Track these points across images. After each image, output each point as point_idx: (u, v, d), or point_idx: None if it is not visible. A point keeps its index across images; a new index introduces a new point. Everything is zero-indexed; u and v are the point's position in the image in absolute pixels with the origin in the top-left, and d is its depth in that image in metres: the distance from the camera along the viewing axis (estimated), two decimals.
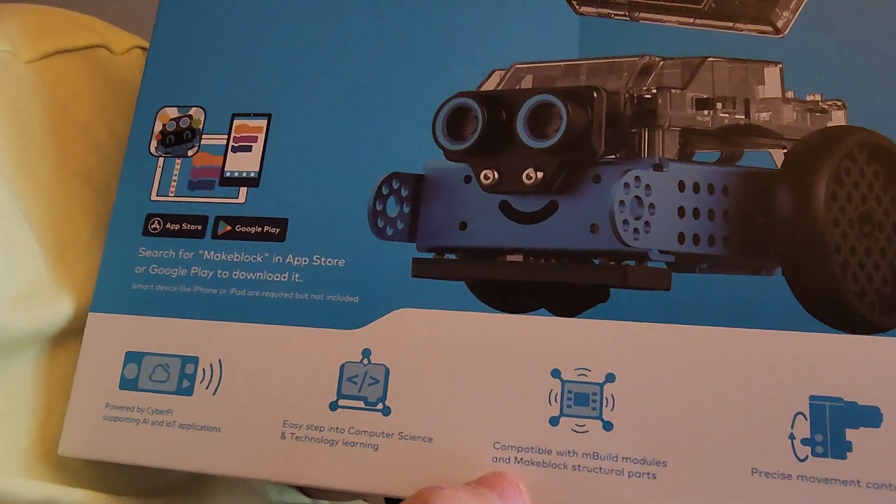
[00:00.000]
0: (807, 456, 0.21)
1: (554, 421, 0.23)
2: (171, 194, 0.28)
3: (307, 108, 0.28)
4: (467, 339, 0.24)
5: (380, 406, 0.24)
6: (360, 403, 0.24)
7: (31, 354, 0.27)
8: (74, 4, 0.36)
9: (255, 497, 0.34)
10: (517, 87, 0.26)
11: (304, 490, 0.43)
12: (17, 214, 0.27)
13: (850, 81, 0.24)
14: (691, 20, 0.26)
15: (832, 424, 0.21)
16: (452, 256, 0.25)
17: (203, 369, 0.26)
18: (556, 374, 0.23)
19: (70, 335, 0.27)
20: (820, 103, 0.24)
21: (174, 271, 0.27)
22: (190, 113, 0.29)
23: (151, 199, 0.28)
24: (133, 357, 0.26)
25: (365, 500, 0.50)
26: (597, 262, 0.24)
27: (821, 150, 0.23)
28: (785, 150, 0.24)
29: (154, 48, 0.30)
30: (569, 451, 0.22)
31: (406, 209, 0.26)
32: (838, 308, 0.22)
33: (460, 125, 0.26)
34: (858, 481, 0.20)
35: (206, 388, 0.25)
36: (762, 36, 0.25)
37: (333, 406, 0.24)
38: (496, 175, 0.25)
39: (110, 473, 0.27)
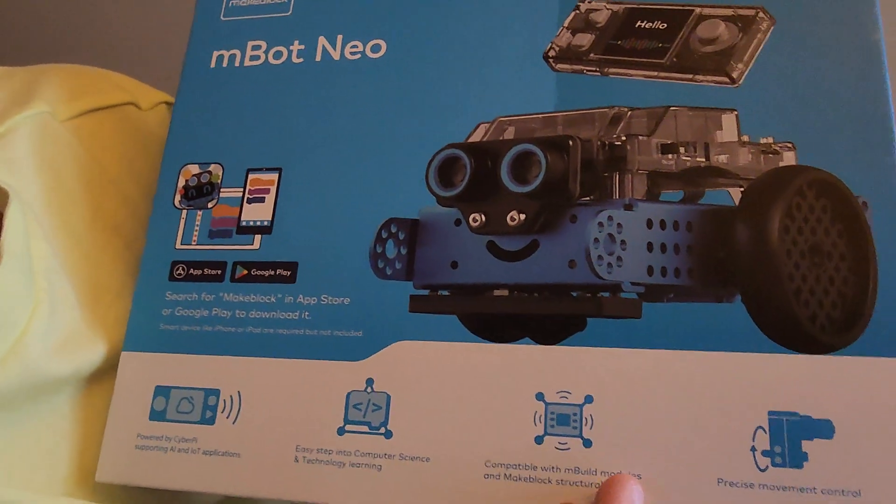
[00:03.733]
0: (767, 466, 0.23)
1: (539, 440, 0.25)
2: (193, 243, 0.31)
3: (314, 162, 0.31)
4: (460, 367, 0.26)
5: (382, 430, 0.26)
6: (365, 428, 0.27)
7: (70, 392, 0.30)
8: (105, 62, 0.40)
9: None
10: (501, 138, 0.29)
11: None
12: (57, 267, 0.30)
13: (799, 124, 0.26)
14: (655, 73, 0.28)
15: (789, 437, 0.23)
16: (446, 293, 0.28)
17: (224, 400, 0.28)
18: (539, 396, 0.25)
19: (104, 373, 0.30)
20: (772, 145, 0.26)
21: (197, 312, 0.30)
22: (210, 169, 0.32)
23: (176, 247, 0.31)
24: (161, 391, 0.29)
25: None
26: (574, 294, 0.26)
27: (774, 187, 0.26)
28: (742, 189, 0.26)
29: (177, 111, 0.33)
30: (553, 467, 0.25)
31: (403, 251, 0.29)
32: (792, 330, 0.24)
33: (451, 173, 0.29)
34: (814, 488, 0.22)
35: (227, 417, 0.28)
36: (719, 86, 0.28)
37: (341, 431, 0.27)
38: (483, 218, 0.28)
39: (141, 499, 0.30)
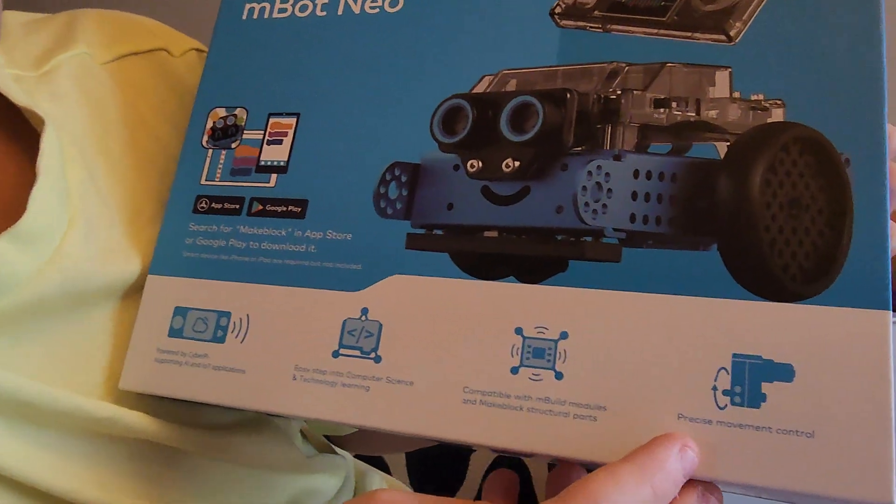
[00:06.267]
0: (726, 405, 0.24)
1: (514, 370, 0.27)
2: (217, 179, 0.34)
3: (329, 108, 0.33)
4: (447, 300, 0.28)
5: (372, 355, 0.29)
6: (357, 352, 0.29)
7: (106, 306, 0.33)
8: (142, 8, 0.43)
9: (286, 442, 0.39)
10: (503, 90, 0.30)
11: (335, 441, 0.48)
12: (93, 190, 0.33)
13: (791, 82, 0.27)
14: (656, 31, 0.29)
15: (750, 378, 0.24)
16: (440, 232, 0.30)
17: (234, 322, 0.31)
18: (518, 331, 0.27)
19: (136, 292, 0.33)
20: (762, 102, 0.27)
21: (216, 242, 0.33)
22: (235, 112, 0.34)
23: (201, 183, 0.34)
24: (180, 311, 0.32)
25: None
26: (559, 237, 0.28)
27: (759, 142, 0.26)
28: (728, 144, 0.27)
29: (210, 59, 0.36)
30: (525, 396, 0.26)
31: (404, 192, 0.30)
32: (764, 278, 0.25)
33: (454, 122, 0.30)
34: (769, 427, 0.23)
35: (236, 337, 0.31)
36: (716, 43, 0.28)
37: (335, 354, 0.29)
38: (480, 164, 0.29)
39: (161, 405, 0.33)
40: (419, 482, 0.77)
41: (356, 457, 0.52)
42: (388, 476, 0.56)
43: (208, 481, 0.35)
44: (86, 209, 0.32)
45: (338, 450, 0.48)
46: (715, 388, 0.24)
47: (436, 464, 0.72)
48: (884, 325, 0.23)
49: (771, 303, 0.24)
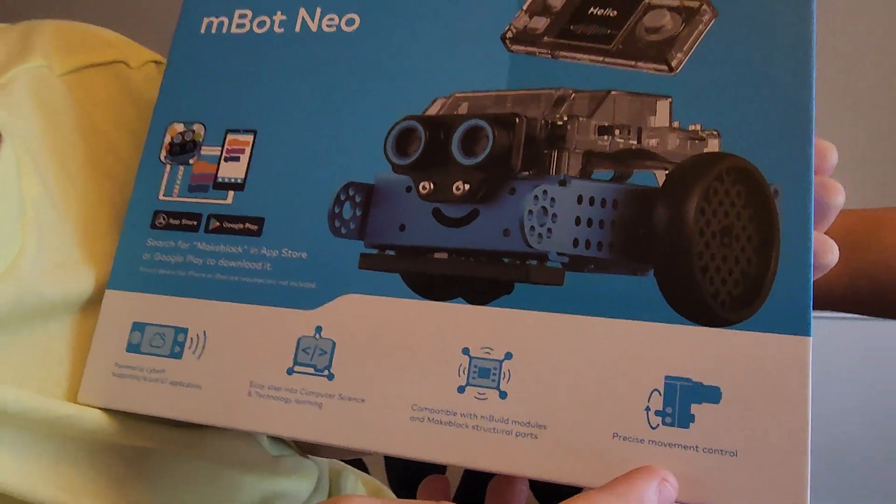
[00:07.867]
0: (658, 425, 0.25)
1: (461, 389, 0.28)
2: (174, 195, 0.34)
3: (286, 126, 0.33)
4: (398, 320, 0.29)
5: (326, 372, 0.29)
6: (311, 370, 0.30)
7: (65, 319, 0.33)
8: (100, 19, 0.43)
9: (253, 441, 0.39)
10: (455, 113, 0.31)
11: (300, 446, 0.49)
12: (47, 201, 0.33)
13: (726, 112, 0.28)
14: (601, 59, 0.30)
15: (681, 400, 0.25)
16: (392, 253, 0.30)
17: (191, 338, 0.32)
18: (465, 351, 0.28)
19: (93, 304, 0.34)
20: (699, 132, 0.28)
21: (173, 258, 0.33)
22: (193, 128, 0.35)
23: (159, 198, 0.34)
24: (138, 326, 0.32)
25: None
26: (506, 260, 0.29)
27: (695, 172, 0.28)
28: (667, 172, 0.28)
29: (168, 73, 0.36)
30: (471, 415, 0.27)
31: (358, 213, 0.31)
32: (696, 304, 0.26)
33: (407, 143, 0.31)
34: (696, 447, 0.25)
35: (193, 353, 0.31)
36: (658, 73, 0.29)
37: (290, 371, 0.30)
38: (431, 186, 0.30)
39: (124, 421, 0.33)
40: (397, 481, 0.78)
41: None
42: (365, 475, 0.56)
43: (174, 479, 0.36)
44: (41, 223, 0.32)
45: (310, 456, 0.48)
46: (648, 409, 0.26)
47: (415, 463, 0.74)
48: (804, 350, 0.25)
49: (701, 328, 0.26)
